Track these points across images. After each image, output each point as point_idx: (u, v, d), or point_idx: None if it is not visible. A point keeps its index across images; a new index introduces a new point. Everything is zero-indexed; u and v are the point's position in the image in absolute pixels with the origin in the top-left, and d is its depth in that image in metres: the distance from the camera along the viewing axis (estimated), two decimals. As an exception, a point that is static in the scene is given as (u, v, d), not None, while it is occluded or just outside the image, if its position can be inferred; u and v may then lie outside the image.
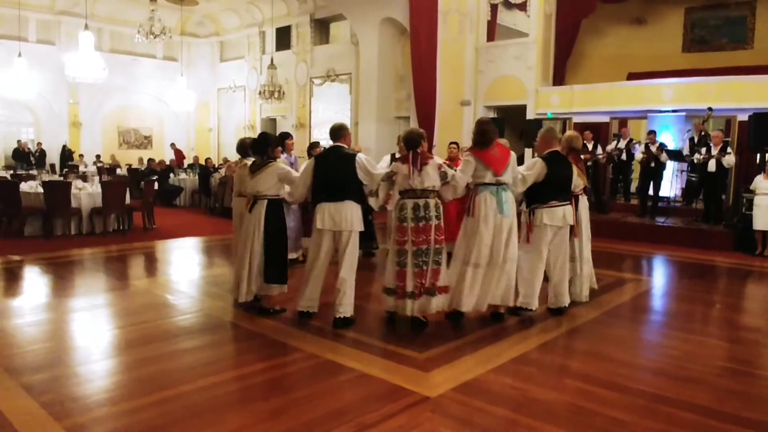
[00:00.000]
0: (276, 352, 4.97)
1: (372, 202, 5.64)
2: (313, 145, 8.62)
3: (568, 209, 6.04)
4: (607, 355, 5.01)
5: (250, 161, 6.52)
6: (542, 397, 4.13)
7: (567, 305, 6.17)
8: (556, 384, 4.39)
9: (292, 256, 7.43)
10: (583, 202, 6.62)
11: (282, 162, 6.26)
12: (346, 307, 5.54)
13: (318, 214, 5.52)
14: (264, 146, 6.01)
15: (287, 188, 5.95)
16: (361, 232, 5.65)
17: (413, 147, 5.50)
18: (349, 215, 5.48)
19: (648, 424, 3.71)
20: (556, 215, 5.94)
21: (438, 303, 5.50)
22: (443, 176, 5.51)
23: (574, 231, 6.22)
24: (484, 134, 5.62)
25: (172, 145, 22.32)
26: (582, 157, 11.50)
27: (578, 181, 6.35)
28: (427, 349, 4.96)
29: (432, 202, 5.45)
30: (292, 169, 6.19)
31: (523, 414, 3.86)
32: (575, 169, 6.23)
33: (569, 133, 6.90)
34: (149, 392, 4.07)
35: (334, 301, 5.55)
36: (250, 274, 5.84)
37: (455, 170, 5.68)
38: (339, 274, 5.53)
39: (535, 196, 5.96)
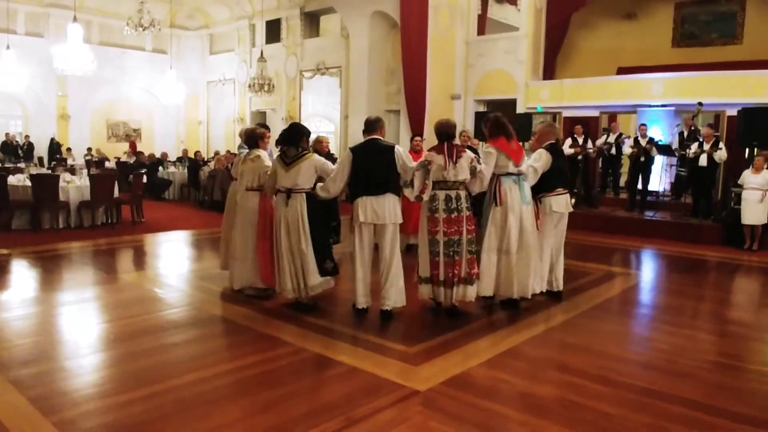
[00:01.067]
0: (266, 346, 4.95)
1: (407, 192, 5.67)
2: None
3: (568, 197, 6.43)
4: (597, 349, 5.03)
5: (260, 152, 6.41)
6: (532, 391, 4.14)
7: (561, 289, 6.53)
8: (546, 378, 4.41)
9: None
10: None
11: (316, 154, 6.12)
12: (396, 298, 5.61)
13: (360, 208, 5.52)
14: (297, 137, 5.85)
15: (320, 184, 5.81)
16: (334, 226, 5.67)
17: (447, 139, 5.60)
18: (391, 208, 5.54)
19: (637, 417, 3.73)
20: (560, 202, 6.31)
21: (477, 290, 5.72)
22: (473, 170, 5.61)
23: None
24: (502, 126, 5.83)
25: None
26: (573, 150, 11.73)
27: None
28: (416, 343, 4.96)
29: (462, 193, 5.59)
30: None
31: (512, 408, 3.87)
32: None
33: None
34: (138, 386, 4.04)
35: (380, 293, 5.61)
36: (303, 269, 5.70)
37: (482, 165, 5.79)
38: (389, 266, 5.57)
39: (543, 185, 6.21)
